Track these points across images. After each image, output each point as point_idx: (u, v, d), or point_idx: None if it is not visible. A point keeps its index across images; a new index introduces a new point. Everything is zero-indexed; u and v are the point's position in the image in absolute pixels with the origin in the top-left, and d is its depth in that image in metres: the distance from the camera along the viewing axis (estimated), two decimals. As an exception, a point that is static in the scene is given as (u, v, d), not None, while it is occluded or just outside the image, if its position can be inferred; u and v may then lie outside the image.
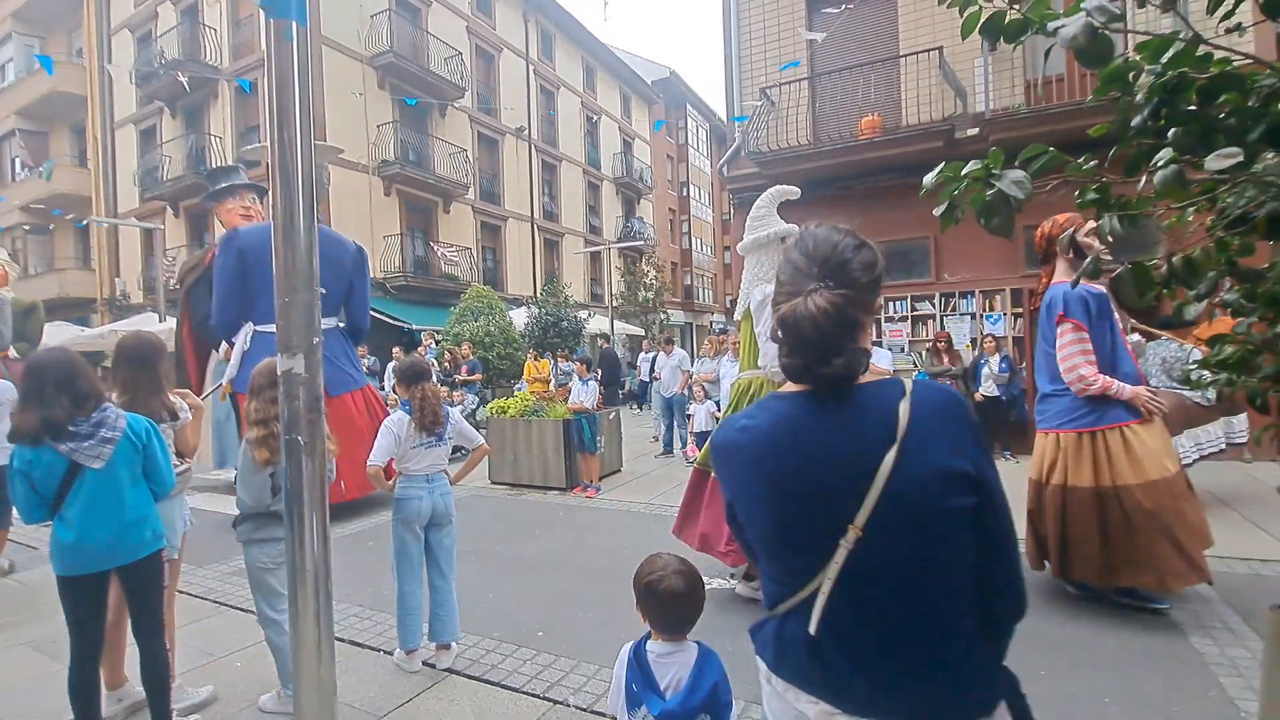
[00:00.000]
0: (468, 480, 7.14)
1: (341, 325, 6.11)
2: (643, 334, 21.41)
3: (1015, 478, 3.15)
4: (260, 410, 2.52)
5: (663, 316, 23.49)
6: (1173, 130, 1.28)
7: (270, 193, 1.97)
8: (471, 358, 10.17)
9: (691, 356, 25.83)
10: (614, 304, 19.88)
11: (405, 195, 17.16)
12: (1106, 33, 1.13)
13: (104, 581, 2.23)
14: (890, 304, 8.66)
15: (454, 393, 9.31)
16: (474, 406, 9.28)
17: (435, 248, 17.29)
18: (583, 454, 6.73)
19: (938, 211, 1.29)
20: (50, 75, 16.55)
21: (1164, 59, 1.18)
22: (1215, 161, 1.07)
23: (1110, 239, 1.20)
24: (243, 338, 5.46)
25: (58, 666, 2.32)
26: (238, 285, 5.41)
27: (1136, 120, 1.24)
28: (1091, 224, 3.16)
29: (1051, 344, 3.17)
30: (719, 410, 7.22)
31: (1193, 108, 1.18)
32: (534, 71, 22.52)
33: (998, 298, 8.13)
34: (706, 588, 3.79)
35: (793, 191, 3.86)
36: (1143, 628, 3.07)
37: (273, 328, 6.34)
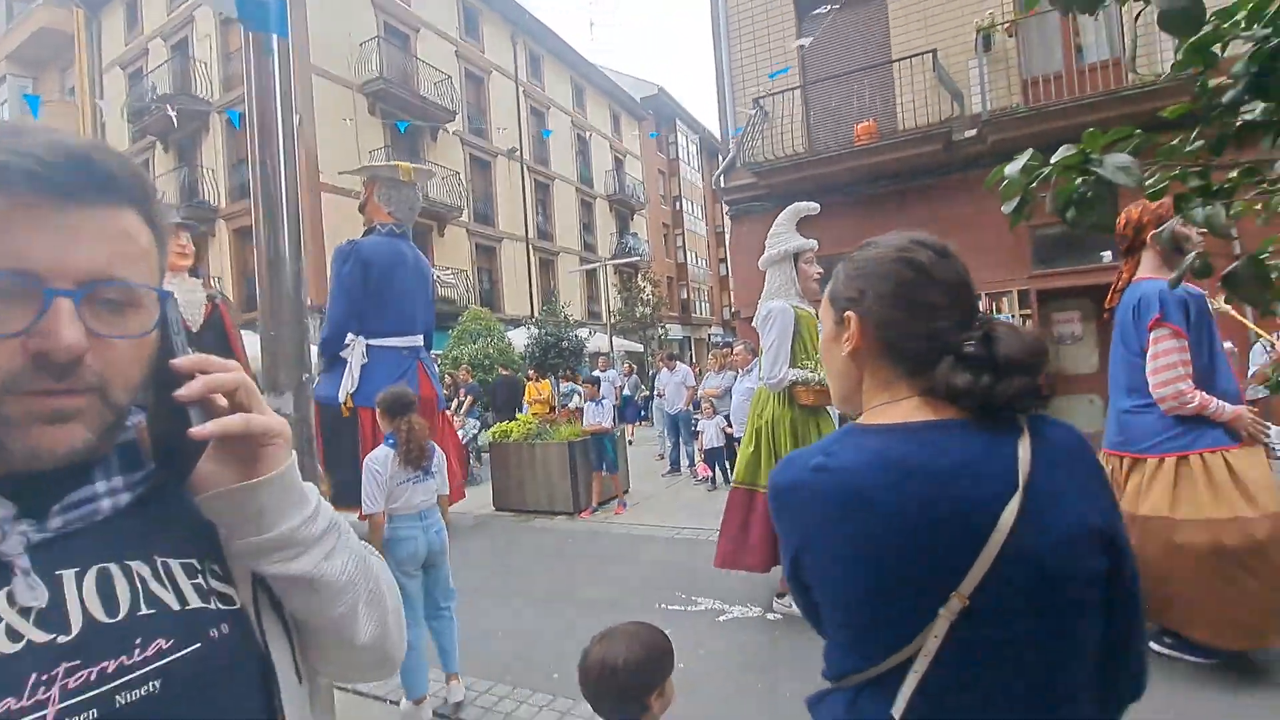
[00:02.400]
0: (474, 508, 6.98)
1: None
2: (642, 350, 21.28)
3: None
4: None
5: (661, 331, 23.37)
6: (1264, 107, 1.15)
7: (253, 219, 1.83)
8: (471, 381, 9.99)
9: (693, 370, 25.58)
10: (611, 321, 19.77)
11: (399, 220, 17.08)
12: (1202, -1, 0.99)
13: None
14: (896, 310, 8.54)
15: (456, 417, 9.13)
16: (475, 431, 9.09)
17: (431, 271, 17.16)
18: (610, 474, 6.65)
19: (1008, 208, 1.14)
20: (35, 115, 16.53)
21: (1263, 23, 1.04)
22: None
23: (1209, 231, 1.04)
24: (358, 352, 5.48)
25: None
26: (359, 297, 5.44)
27: (1230, 95, 1.10)
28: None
29: (1136, 351, 2.70)
30: (728, 425, 7.04)
31: None
32: (524, 93, 22.59)
33: (1005, 300, 8.00)
34: (729, 617, 3.61)
35: (812, 208, 3.78)
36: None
37: (391, 341, 6.12)
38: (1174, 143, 1.13)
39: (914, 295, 0.83)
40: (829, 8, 7.74)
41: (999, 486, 0.73)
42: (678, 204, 33.19)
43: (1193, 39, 1.07)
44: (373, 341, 5.50)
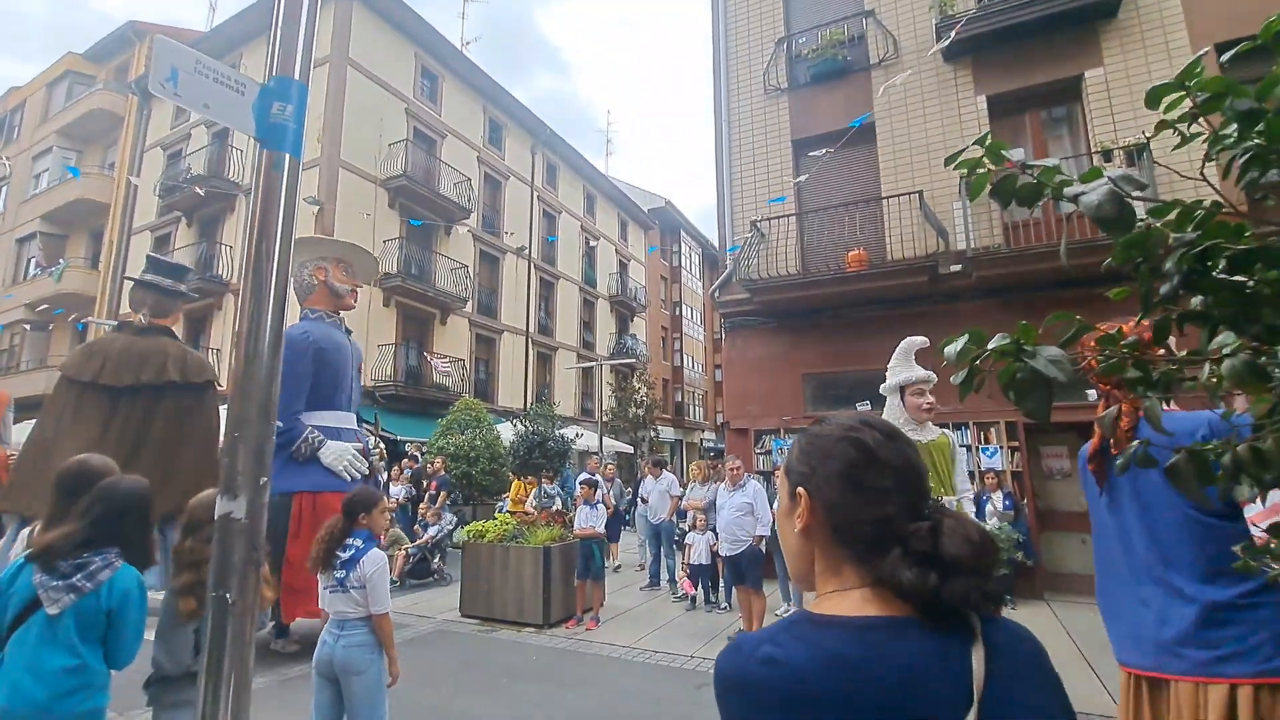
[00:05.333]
0: (439, 611, 6.63)
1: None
2: (632, 451, 21.06)
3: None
4: (196, 551, 2.26)
5: (653, 433, 23.23)
6: (1201, 298, 1.21)
7: (238, 324, 1.89)
8: (443, 473, 9.69)
9: (681, 473, 25.37)
10: (604, 419, 19.71)
11: (404, 307, 17.49)
12: (1130, 201, 1.07)
13: None
14: (884, 433, 8.54)
15: (429, 511, 8.88)
16: (451, 527, 8.80)
17: (429, 358, 17.35)
18: (594, 582, 6.47)
19: (955, 379, 1.17)
20: (78, 182, 17.53)
21: (1191, 227, 1.12)
22: None
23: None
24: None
25: None
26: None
27: (1166, 289, 1.16)
28: None
29: (1220, 511, 1.72)
30: (717, 541, 6.80)
31: (1226, 276, 1.11)
32: (538, 197, 23.86)
33: (992, 430, 8.03)
34: None
35: (922, 341, 3.95)
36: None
37: (324, 419, 5.84)
38: (1112, 332, 1.18)
39: (860, 477, 0.82)
40: (824, 151, 8.35)
41: (952, 699, 0.69)
42: (678, 309, 34.09)
43: (1127, 238, 1.15)
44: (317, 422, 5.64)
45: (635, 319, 30.00)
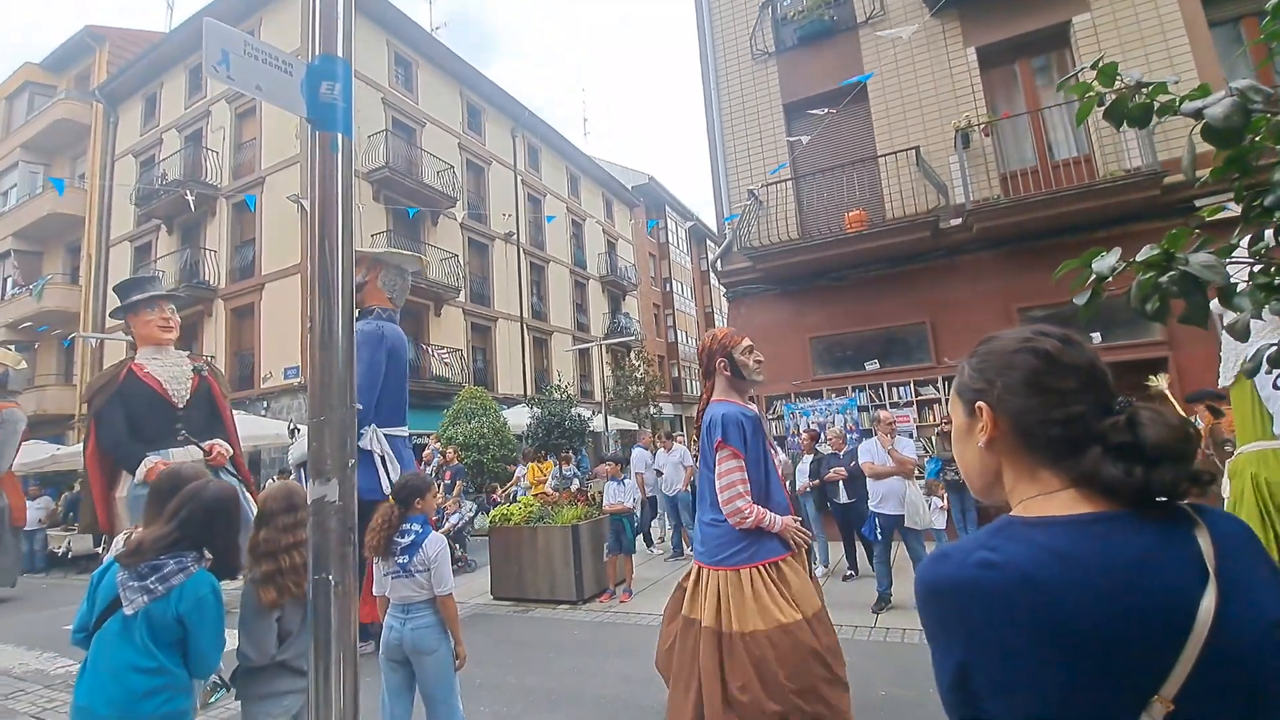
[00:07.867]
0: (470, 597, 6.69)
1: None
2: (635, 429, 21.15)
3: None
4: (270, 541, 2.27)
5: (653, 410, 23.32)
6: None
7: (310, 304, 1.87)
8: (456, 463, 9.72)
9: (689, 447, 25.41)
10: (605, 399, 19.77)
11: (397, 300, 17.35)
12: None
13: None
14: (894, 389, 8.62)
15: (448, 500, 8.90)
16: (472, 514, 8.84)
17: (427, 349, 17.27)
18: (624, 556, 6.54)
19: (1080, 300, 1.19)
20: (60, 196, 17.20)
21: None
22: None
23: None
24: (380, 443, 5.11)
25: None
26: (378, 385, 5.18)
27: (1270, 199, 1.18)
28: (747, 342, 2.97)
29: (712, 468, 2.86)
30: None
31: None
32: (521, 181, 23.59)
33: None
34: None
35: None
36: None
37: (399, 431, 5.59)
38: (1232, 242, 1.21)
39: (1045, 382, 0.82)
40: (825, 111, 8.30)
41: (1187, 577, 0.70)
42: (668, 285, 34.02)
43: (1232, 151, 1.17)
44: (385, 431, 5.15)
45: (627, 298, 29.94)
